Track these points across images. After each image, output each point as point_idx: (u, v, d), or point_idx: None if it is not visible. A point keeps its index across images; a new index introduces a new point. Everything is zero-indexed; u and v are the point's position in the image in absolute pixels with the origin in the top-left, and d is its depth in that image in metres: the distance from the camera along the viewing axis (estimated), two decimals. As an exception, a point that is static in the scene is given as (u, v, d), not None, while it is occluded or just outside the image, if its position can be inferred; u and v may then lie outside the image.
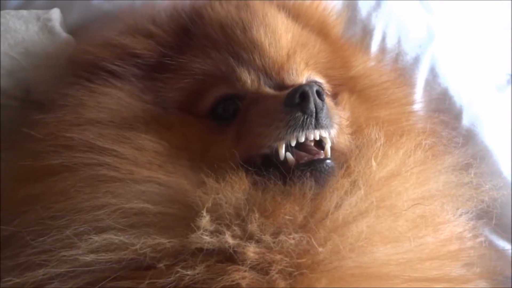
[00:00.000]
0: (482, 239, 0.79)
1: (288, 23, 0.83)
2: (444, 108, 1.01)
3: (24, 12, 0.90)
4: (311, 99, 0.65)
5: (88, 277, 0.61)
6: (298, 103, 0.66)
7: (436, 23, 1.12)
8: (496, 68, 1.27)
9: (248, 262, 0.59)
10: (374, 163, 0.67)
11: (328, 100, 0.73)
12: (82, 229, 0.62)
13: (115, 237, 0.61)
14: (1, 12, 0.89)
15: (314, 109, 0.66)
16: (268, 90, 0.73)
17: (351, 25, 1.05)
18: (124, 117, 0.74)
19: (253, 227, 0.61)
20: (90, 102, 0.75)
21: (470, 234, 0.76)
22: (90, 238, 0.61)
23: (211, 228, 0.60)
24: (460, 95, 1.04)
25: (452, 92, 1.04)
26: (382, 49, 1.04)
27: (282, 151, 0.66)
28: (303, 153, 0.67)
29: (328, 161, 0.67)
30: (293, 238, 0.60)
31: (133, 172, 0.66)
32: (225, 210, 0.62)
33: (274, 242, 0.60)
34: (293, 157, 0.66)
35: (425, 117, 0.95)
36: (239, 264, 0.59)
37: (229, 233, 0.60)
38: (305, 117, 0.65)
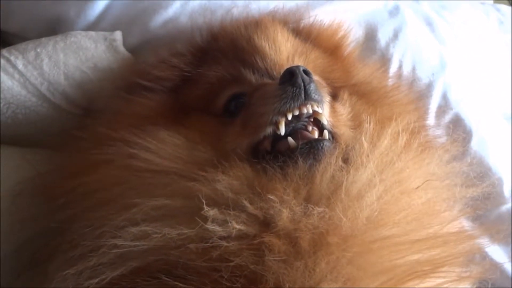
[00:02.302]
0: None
1: (288, 35, 0.92)
2: (455, 131, 1.05)
3: (92, 33, 1.01)
4: (298, 74, 0.73)
5: (135, 262, 0.65)
6: (288, 79, 0.73)
7: (448, 53, 1.20)
8: (505, 97, 1.33)
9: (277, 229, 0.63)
10: (364, 142, 0.72)
11: (317, 81, 0.78)
12: (119, 222, 0.67)
13: (148, 228, 0.65)
14: (73, 32, 1.00)
15: (302, 82, 0.73)
16: (268, 81, 0.80)
17: (371, 54, 1.14)
18: (150, 118, 0.84)
19: (255, 209, 0.64)
20: (125, 110, 0.88)
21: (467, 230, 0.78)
22: (128, 229, 0.66)
23: (217, 217, 0.64)
24: (470, 119, 1.11)
25: (463, 116, 1.11)
26: (399, 75, 1.12)
27: (282, 126, 0.73)
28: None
29: (326, 141, 0.72)
30: (312, 212, 0.63)
31: (156, 162, 0.74)
32: (226, 196, 0.66)
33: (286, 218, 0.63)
34: (294, 141, 0.72)
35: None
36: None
37: (233, 219, 0.64)
38: (295, 89, 0.72)
